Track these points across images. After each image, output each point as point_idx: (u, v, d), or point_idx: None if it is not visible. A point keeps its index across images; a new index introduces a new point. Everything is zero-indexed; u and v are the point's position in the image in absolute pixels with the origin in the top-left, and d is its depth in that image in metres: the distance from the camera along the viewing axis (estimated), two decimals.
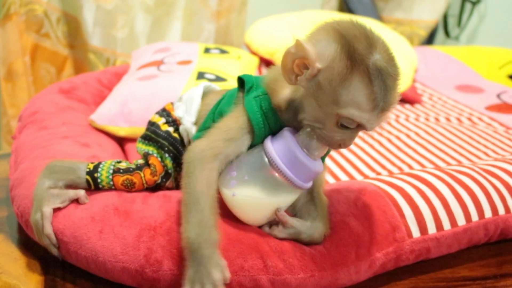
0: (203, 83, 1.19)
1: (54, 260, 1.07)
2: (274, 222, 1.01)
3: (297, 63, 0.91)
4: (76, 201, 1.05)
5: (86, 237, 0.99)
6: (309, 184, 0.99)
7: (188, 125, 1.11)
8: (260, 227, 1.02)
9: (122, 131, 1.48)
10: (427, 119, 1.86)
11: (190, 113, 1.12)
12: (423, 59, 2.38)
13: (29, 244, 1.13)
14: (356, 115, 0.89)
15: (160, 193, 1.08)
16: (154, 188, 1.11)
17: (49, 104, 1.53)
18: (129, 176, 1.07)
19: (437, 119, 1.86)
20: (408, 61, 2.12)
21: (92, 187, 1.08)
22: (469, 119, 1.88)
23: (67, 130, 1.37)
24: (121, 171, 1.08)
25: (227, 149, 0.97)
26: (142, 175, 1.08)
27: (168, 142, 1.11)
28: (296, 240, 1.01)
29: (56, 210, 1.03)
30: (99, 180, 1.07)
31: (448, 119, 1.86)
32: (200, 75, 1.62)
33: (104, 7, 2.44)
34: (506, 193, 1.23)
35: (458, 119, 1.87)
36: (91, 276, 1.03)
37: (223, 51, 1.88)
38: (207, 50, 1.86)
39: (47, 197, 1.03)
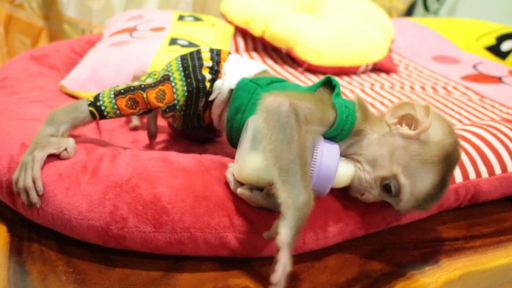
0: (265, 66, 1.17)
1: (20, 221, 1.06)
2: (253, 187, 0.99)
3: (406, 116, 0.98)
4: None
5: (53, 194, 0.98)
6: None
7: (226, 88, 1.10)
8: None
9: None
10: (402, 88, 1.86)
11: (234, 79, 1.10)
12: (401, 30, 2.37)
13: None
14: (406, 189, 0.96)
15: (128, 151, 1.07)
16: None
17: (20, 70, 1.50)
18: (131, 95, 1.06)
19: (412, 88, 1.86)
20: (385, 31, 2.12)
21: (98, 117, 1.06)
22: (444, 88, 1.88)
23: (37, 95, 1.35)
24: (122, 91, 1.06)
25: (317, 126, 0.95)
26: (144, 95, 1.06)
27: (196, 85, 1.09)
28: (270, 210, 0.99)
29: None
30: (103, 108, 1.05)
31: (423, 88, 1.86)
32: (173, 41, 1.60)
33: None
34: (477, 157, 1.23)
35: (433, 88, 1.87)
36: (57, 235, 1.02)
37: (197, 19, 1.86)
38: (181, 18, 1.84)
39: (44, 143, 1.01)
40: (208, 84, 1.10)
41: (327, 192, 0.96)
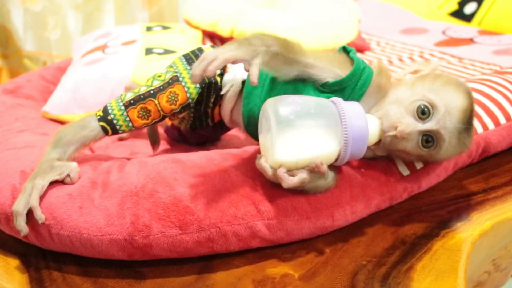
0: None
1: (33, 253, 1.00)
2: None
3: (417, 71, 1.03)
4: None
5: (66, 215, 0.93)
6: (342, 163, 0.94)
7: (239, 79, 1.08)
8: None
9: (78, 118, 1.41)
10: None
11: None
12: (364, 11, 2.37)
13: (2, 242, 1.06)
14: (440, 106, 0.93)
15: (134, 160, 1.03)
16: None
17: None
18: (142, 105, 1.01)
19: (390, 62, 1.85)
20: (350, 11, 2.11)
21: (110, 132, 1.01)
22: (421, 56, 1.88)
23: (22, 125, 1.31)
24: (132, 101, 1.01)
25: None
26: (156, 102, 1.01)
27: (208, 81, 1.06)
28: (302, 190, 0.94)
29: None
30: (115, 121, 1.01)
31: (401, 60, 1.86)
32: (149, 51, 1.57)
33: (32, 10, 2.37)
34: (480, 111, 1.23)
35: (411, 58, 1.87)
36: (76, 259, 0.97)
37: (165, 27, 1.83)
38: (149, 29, 1.81)
39: (47, 169, 0.96)
40: (218, 79, 1.08)
41: (364, 151, 0.92)
